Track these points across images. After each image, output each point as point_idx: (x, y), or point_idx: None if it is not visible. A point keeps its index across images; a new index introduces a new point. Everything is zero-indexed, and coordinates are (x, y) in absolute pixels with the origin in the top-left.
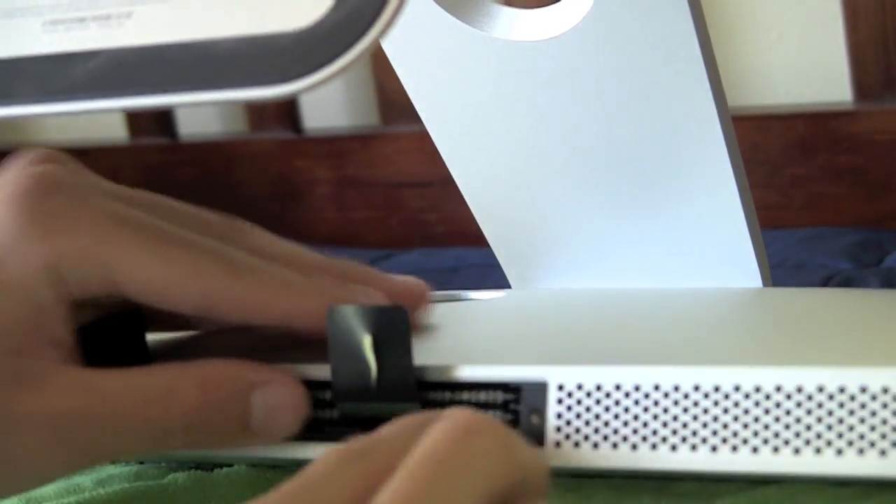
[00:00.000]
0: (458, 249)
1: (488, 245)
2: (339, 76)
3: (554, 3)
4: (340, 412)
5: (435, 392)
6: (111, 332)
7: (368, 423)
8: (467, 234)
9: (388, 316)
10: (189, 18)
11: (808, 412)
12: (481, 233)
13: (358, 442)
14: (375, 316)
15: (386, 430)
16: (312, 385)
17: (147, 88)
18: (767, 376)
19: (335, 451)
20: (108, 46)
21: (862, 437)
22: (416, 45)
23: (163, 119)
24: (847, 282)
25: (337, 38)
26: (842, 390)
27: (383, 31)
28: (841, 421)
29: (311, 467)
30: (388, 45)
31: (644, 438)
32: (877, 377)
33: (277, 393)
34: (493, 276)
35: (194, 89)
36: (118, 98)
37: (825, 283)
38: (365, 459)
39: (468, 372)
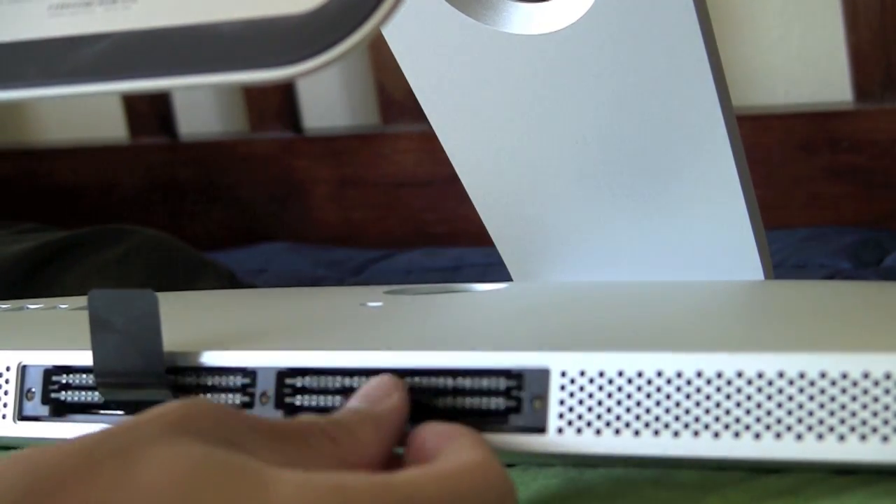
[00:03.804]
0: (458, 249)
1: (488, 244)
2: (342, 61)
3: None
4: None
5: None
6: (125, 307)
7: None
8: (467, 234)
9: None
10: (194, 2)
11: (811, 398)
12: (481, 232)
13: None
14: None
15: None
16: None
17: (152, 71)
18: (770, 362)
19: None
20: (114, 30)
21: (864, 422)
22: (420, 39)
23: (163, 119)
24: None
25: (340, 21)
26: (844, 376)
27: (387, 16)
28: (843, 407)
29: None
30: (391, 39)
31: (646, 425)
32: (879, 363)
33: None
34: (493, 276)
35: (199, 72)
36: (123, 81)
37: None
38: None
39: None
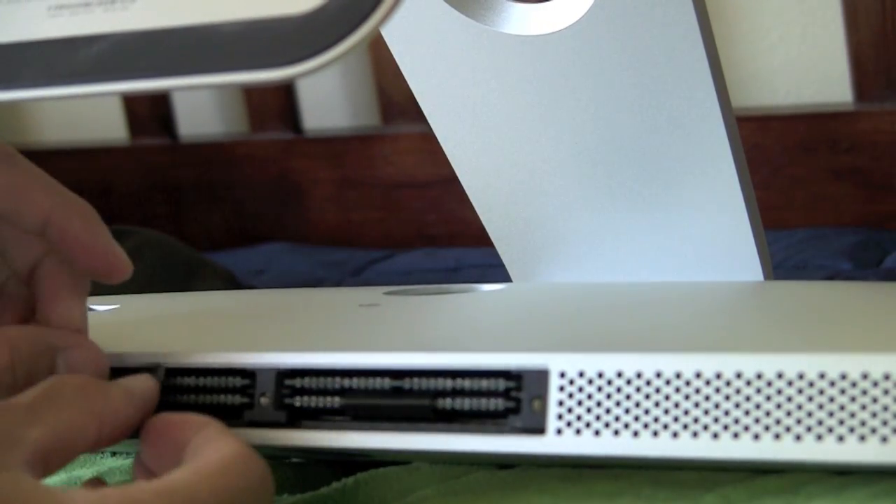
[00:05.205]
0: (457, 249)
1: (488, 245)
2: (340, 61)
3: None
4: None
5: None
6: None
7: None
8: (467, 235)
9: None
10: (193, 2)
11: (810, 399)
12: (481, 233)
13: None
14: None
15: None
16: (307, 372)
17: (151, 72)
18: (769, 363)
19: None
20: (113, 31)
21: (863, 423)
22: (419, 40)
23: (163, 119)
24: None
25: (339, 22)
26: (843, 377)
27: (386, 16)
28: (842, 407)
29: None
30: (391, 40)
31: (645, 425)
32: (878, 363)
33: (78, 355)
34: (493, 277)
35: (198, 73)
36: (122, 82)
37: None
38: None
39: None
